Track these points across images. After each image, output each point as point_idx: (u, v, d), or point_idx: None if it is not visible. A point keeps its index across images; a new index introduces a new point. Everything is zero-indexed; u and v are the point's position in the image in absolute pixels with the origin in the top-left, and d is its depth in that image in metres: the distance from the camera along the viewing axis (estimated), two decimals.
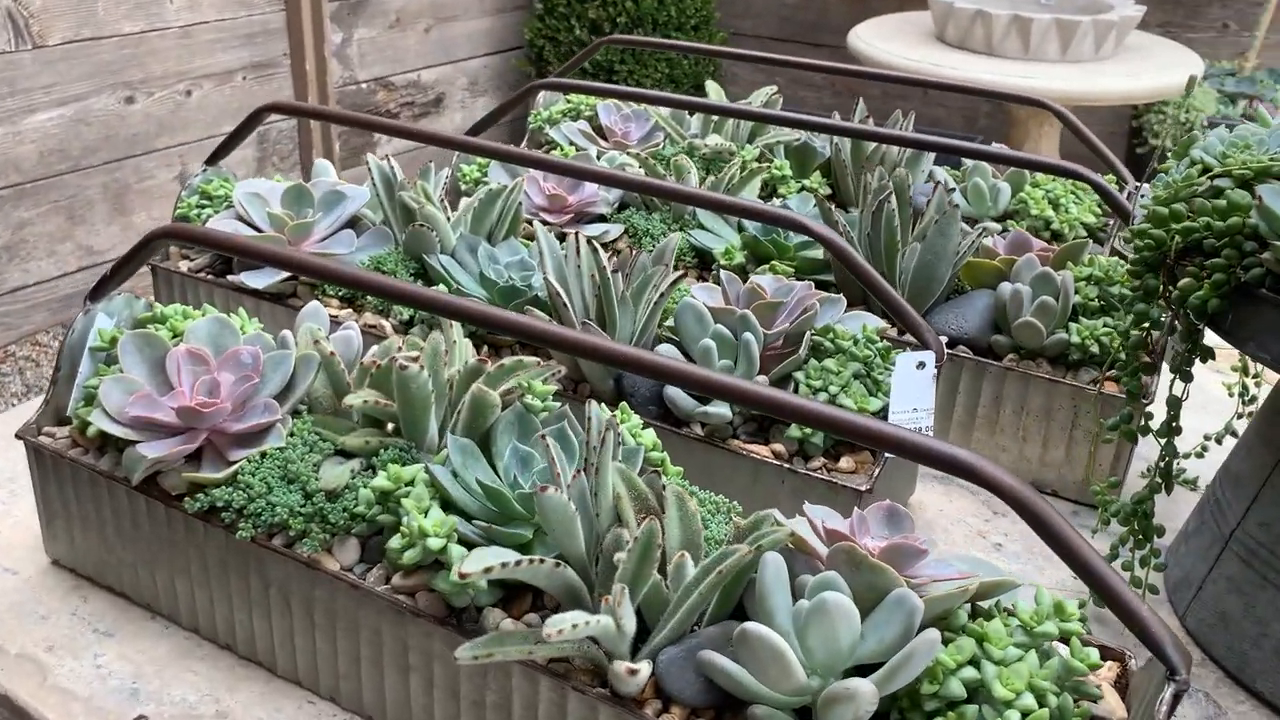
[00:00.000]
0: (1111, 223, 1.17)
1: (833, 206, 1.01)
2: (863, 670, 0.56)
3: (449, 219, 1.03)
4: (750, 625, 0.55)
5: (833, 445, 0.81)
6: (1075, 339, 0.92)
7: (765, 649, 0.54)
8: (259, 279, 1.01)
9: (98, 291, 0.78)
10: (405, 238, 1.02)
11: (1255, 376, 0.94)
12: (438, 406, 0.72)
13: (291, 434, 0.72)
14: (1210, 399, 1.06)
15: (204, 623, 0.76)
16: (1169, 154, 0.78)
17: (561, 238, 1.07)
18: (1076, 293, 0.95)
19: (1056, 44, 2.43)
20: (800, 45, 3.45)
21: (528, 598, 0.65)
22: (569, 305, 0.85)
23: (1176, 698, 0.50)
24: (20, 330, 2.37)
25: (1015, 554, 0.91)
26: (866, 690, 0.54)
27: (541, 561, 0.59)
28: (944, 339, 0.89)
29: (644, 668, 0.58)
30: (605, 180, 1.00)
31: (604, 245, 1.11)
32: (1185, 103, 2.71)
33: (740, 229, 1.11)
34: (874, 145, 1.17)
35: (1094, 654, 0.56)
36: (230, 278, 1.04)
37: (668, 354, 0.85)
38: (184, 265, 1.07)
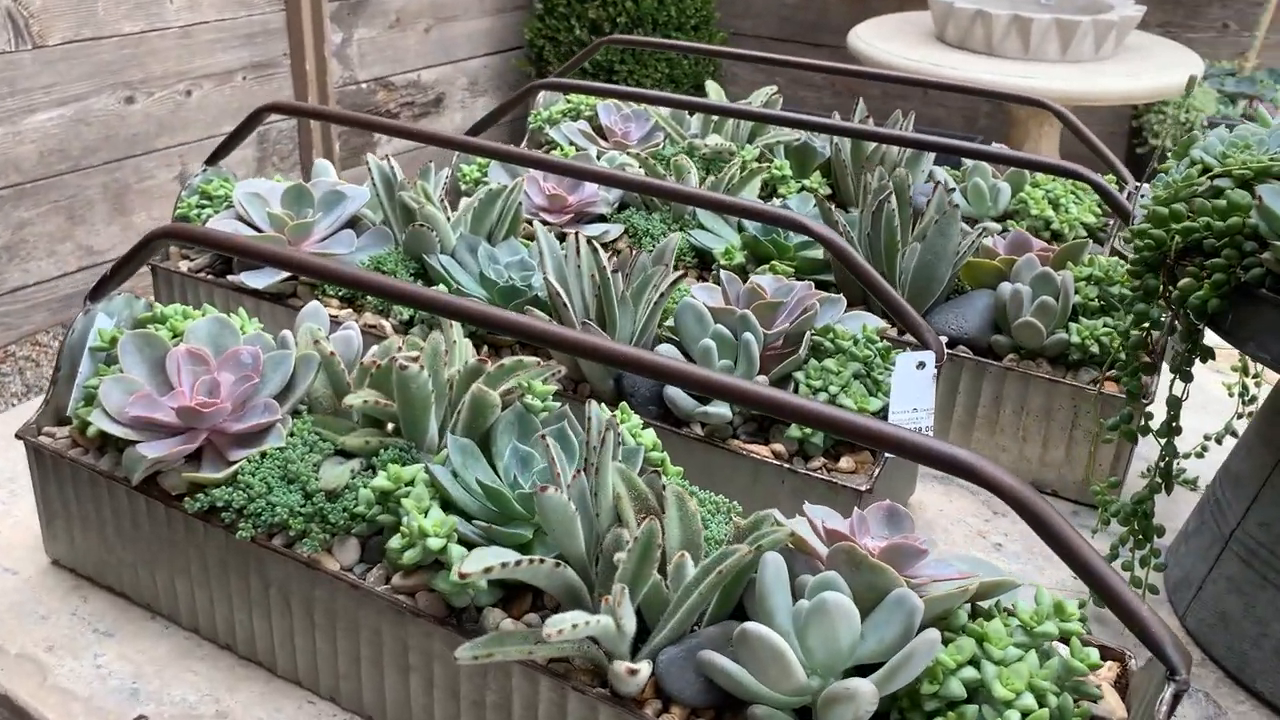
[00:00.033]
0: (1111, 223, 1.17)
1: (833, 206, 1.01)
2: (863, 670, 0.56)
3: (449, 219, 1.03)
4: (750, 625, 0.55)
5: (833, 445, 0.81)
6: (1075, 339, 0.92)
7: (765, 649, 0.54)
8: (259, 279, 1.01)
9: (98, 291, 0.78)
10: (405, 238, 1.02)
11: (1255, 376, 0.94)
12: (438, 406, 0.72)
13: (291, 434, 0.72)
14: (1210, 399, 1.05)
15: (204, 623, 0.76)
16: (1169, 154, 0.78)
17: (561, 238, 1.07)
18: (1076, 293, 0.95)
19: (1056, 44, 2.43)
20: (800, 45, 3.45)
21: (528, 598, 0.65)
22: (569, 305, 0.85)
23: (1177, 698, 0.50)
24: (20, 330, 2.37)
25: (1015, 554, 0.91)
26: (867, 690, 0.54)
27: (542, 561, 0.59)
28: (944, 339, 0.89)
29: (644, 668, 0.58)
30: (605, 180, 1.00)
31: (604, 245, 1.11)
32: (1185, 103, 2.71)
33: (740, 229, 1.11)
34: (874, 145, 1.17)
35: (1094, 654, 0.56)
36: (230, 278, 1.04)
37: (668, 354, 0.85)
38: (184, 265, 1.07)
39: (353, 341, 0.78)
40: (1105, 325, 0.92)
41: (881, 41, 2.58)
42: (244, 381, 0.73)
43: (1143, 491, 0.78)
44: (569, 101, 1.41)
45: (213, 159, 1.14)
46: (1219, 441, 0.98)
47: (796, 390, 0.84)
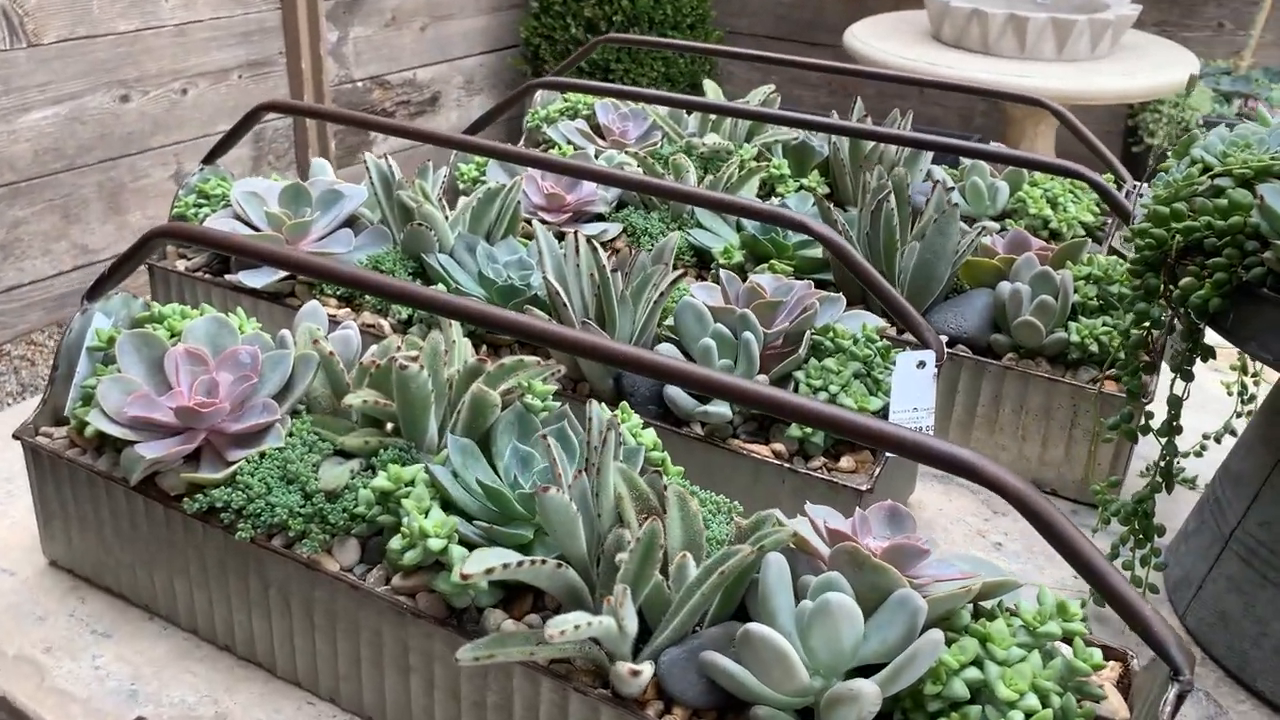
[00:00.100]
0: (1110, 221, 1.17)
1: (831, 205, 1.01)
2: (865, 671, 0.56)
3: (447, 218, 1.03)
4: (753, 626, 0.54)
5: (833, 445, 0.81)
6: (1074, 338, 0.92)
7: (768, 650, 0.54)
8: (257, 278, 1.01)
9: (95, 291, 0.78)
10: (403, 237, 1.02)
11: (1255, 376, 0.94)
12: (437, 406, 0.71)
13: (290, 434, 0.72)
14: (1210, 398, 1.06)
15: (203, 623, 0.76)
16: (1168, 153, 0.78)
17: (560, 237, 1.07)
18: (1075, 292, 0.95)
19: (1052, 43, 2.43)
20: (796, 44, 3.45)
21: (529, 598, 0.65)
22: (568, 304, 0.85)
23: (1180, 698, 0.50)
24: (15, 329, 2.37)
25: (1015, 553, 0.91)
26: (870, 691, 0.53)
27: (543, 562, 0.59)
28: (943, 338, 0.89)
29: (646, 669, 0.58)
30: (604, 179, 1.00)
31: (603, 244, 1.10)
32: (1182, 102, 2.71)
33: (739, 228, 1.11)
34: (872, 144, 1.17)
35: (1097, 654, 0.56)
36: (228, 277, 1.03)
37: (668, 353, 0.84)
38: (181, 264, 1.07)
39: (351, 341, 0.77)
40: (1104, 324, 0.92)
41: (877, 40, 2.58)
42: (242, 381, 0.72)
43: (1143, 491, 0.78)
44: (566, 100, 1.41)
45: (209, 158, 1.13)
46: (1218, 441, 0.98)
47: (796, 389, 0.84)
